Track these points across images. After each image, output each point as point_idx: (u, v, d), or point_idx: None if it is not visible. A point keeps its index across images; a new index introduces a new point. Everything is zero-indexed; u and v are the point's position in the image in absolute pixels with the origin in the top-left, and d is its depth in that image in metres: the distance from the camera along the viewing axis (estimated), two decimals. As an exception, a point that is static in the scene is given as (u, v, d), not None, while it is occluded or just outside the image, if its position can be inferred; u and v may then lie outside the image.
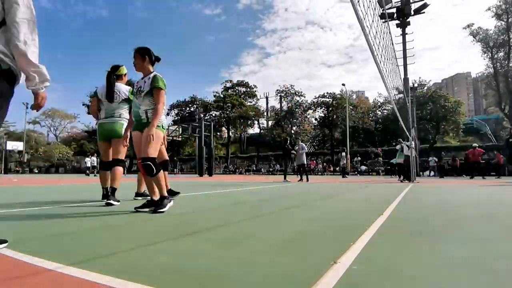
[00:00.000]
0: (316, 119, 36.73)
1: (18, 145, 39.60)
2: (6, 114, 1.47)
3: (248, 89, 42.46)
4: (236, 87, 42.30)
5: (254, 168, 32.26)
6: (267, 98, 48.23)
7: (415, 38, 12.33)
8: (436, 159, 20.31)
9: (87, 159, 25.18)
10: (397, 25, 13.08)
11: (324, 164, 29.78)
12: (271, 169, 30.79)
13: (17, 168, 39.38)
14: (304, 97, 38.00)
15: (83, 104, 42.46)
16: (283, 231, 1.88)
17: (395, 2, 13.54)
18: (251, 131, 44.60)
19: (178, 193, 4.14)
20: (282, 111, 39.49)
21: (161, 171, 2.76)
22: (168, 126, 31.87)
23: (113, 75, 3.51)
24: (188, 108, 42.69)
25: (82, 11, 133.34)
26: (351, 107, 34.20)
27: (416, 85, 30.89)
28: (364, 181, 10.91)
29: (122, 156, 3.47)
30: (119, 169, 3.40)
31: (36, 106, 1.56)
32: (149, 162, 2.64)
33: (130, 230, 1.96)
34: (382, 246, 1.51)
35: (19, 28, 1.37)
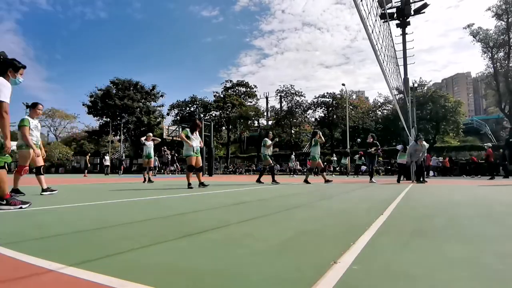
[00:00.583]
0: (316, 119, 36.71)
1: (18, 145, 39.53)
2: None
3: (248, 89, 42.43)
4: (236, 87, 42.28)
5: (254, 168, 32.23)
6: (267, 98, 48.29)
7: (400, 43, 12.37)
8: (441, 159, 20.42)
9: (106, 157, 25.52)
10: (397, 25, 13.07)
11: (324, 164, 29.75)
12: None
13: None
14: (304, 97, 38.00)
15: (83, 104, 42.45)
16: (283, 231, 1.88)
17: (395, 2, 13.54)
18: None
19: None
20: (282, 111, 39.47)
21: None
22: (168, 126, 31.91)
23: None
24: (188, 108, 42.71)
25: (81, 13, 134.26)
26: (351, 107, 34.20)
27: (416, 85, 30.89)
28: (364, 181, 10.91)
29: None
30: None
31: None
32: None
33: (130, 230, 1.96)
34: (382, 246, 1.51)
35: None
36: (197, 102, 41.76)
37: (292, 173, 22.51)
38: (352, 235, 1.71)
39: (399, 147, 11.61)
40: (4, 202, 3.05)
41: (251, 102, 42.49)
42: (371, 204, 3.46)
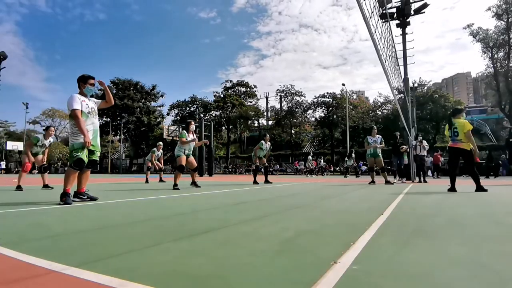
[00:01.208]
0: (316, 119, 36.71)
1: (18, 145, 39.58)
2: None
3: (248, 89, 42.45)
4: (236, 87, 42.29)
5: (254, 168, 32.24)
6: (267, 98, 48.31)
7: (400, 43, 12.34)
8: (442, 159, 20.42)
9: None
10: (397, 25, 13.07)
11: (324, 164, 29.76)
12: (271, 169, 30.76)
13: (17, 168, 39.36)
14: (304, 97, 38.00)
15: (83, 104, 42.38)
16: (283, 231, 1.87)
17: (395, 2, 13.54)
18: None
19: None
20: (282, 111, 39.47)
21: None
22: (168, 126, 31.92)
23: None
24: (188, 108, 42.72)
25: (80, 15, 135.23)
26: (351, 107, 34.18)
27: (416, 85, 30.89)
28: (364, 181, 10.91)
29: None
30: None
31: None
32: None
33: (130, 230, 1.96)
34: (382, 246, 1.51)
35: None
36: (197, 102, 41.78)
37: (309, 173, 21.74)
38: (352, 235, 1.71)
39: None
40: (85, 196, 3.81)
41: (251, 102, 42.50)
42: (371, 204, 3.46)
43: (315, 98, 36.01)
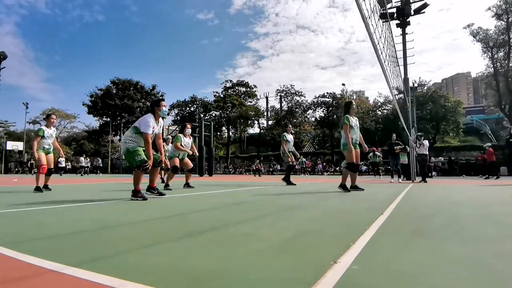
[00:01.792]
0: (316, 119, 36.72)
1: (18, 145, 39.58)
2: None
3: (248, 89, 42.45)
4: (236, 87, 42.30)
5: (254, 168, 32.26)
6: (267, 98, 48.27)
7: (398, 44, 12.37)
8: (442, 159, 20.48)
9: (81, 158, 25.56)
10: (397, 25, 13.07)
11: (324, 164, 29.77)
12: (271, 169, 30.77)
13: (17, 168, 39.38)
14: (304, 97, 38.00)
15: (84, 104, 42.48)
16: (283, 231, 1.87)
17: (395, 2, 13.54)
18: (251, 131, 44.61)
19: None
20: (282, 111, 39.48)
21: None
22: (168, 126, 31.93)
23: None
24: (188, 108, 42.72)
25: (79, 16, 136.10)
26: (351, 107, 34.09)
27: (416, 85, 30.89)
28: (365, 181, 10.91)
29: None
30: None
31: None
32: None
33: (130, 230, 1.96)
34: (382, 246, 1.51)
35: None
36: (197, 102, 41.79)
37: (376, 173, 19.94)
38: (352, 235, 1.71)
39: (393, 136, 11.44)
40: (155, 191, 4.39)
41: (251, 102, 42.50)
42: (371, 204, 3.46)
43: (315, 98, 36.03)
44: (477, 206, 3.35)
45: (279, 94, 40.27)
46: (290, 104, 38.25)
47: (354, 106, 5.58)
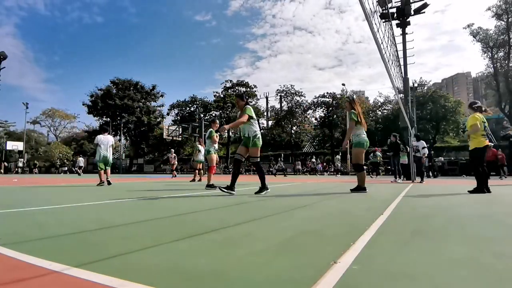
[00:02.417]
0: (316, 119, 36.72)
1: (18, 145, 39.58)
2: None
3: (248, 89, 42.43)
4: (236, 87, 42.27)
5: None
6: (267, 98, 48.25)
7: (398, 44, 12.31)
8: (443, 159, 20.53)
9: (80, 159, 25.64)
10: (397, 25, 13.07)
11: (324, 164, 29.76)
12: (271, 169, 30.76)
13: (16, 168, 39.38)
14: (304, 97, 38.01)
15: (84, 104, 42.47)
16: (283, 231, 1.87)
17: (395, 2, 13.55)
18: (251, 131, 44.52)
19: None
20: (282, 111, 39.47)
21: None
22: (168, 126, 31.93)
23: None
24: (188, 108, 42.71)
25: (78, 18, 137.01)
26: (351, 107, 34.11)
27: (416, 85, 30.90)
28: (371, 182, 10.90)
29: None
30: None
31: None
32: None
33: (130, 230, 1.96)
34: (382, 246, 1.51)
35: None
36: (197, 102, 41.79)
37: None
38: (352, 235, 1.71)
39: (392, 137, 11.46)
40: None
41: (251, 102, 42.48)
42: (371, 204, 3.46)
43: (315, 98, 36.04)
44: (477, 206, 3.35)
45: (279, 94, 40.29)
46: (290, 104, 38.25)
47: (357, 103, 5.43)
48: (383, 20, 7.80)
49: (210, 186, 6.44)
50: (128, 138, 43.98)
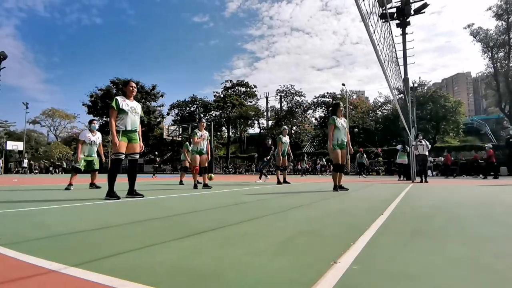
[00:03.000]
0: (316, 119, 36.73)
1: (18, 145, 39.57)
2: None
3: (248, 89, 42.45)
4: (236, 87, 42.29)
5: (254, 168, 32.24)
6: (267, 98, 48.25)
7: (398, 44, 12.33)
8: (442, 159, 20.64)
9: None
10: (397, 25, 13.07)
11: (324, 163, 29.74)
12: (271, 169, 30.75)
13: (17, 168, 39.38)
14: (304, 97, 38.03)
15: (83, 104, 42.47)
16: (283, 231, 1.87)
17: (395, 2, 13.54)
18: (251, 131, 44.61)
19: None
20: (282, 111, 39.48)
21: None
22: (168, 126, 31.92)
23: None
24: (188, 108, 42.69)
25: (77, 19, 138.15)
26: (351, 107, 34.20)
27: (416, 85, 30.90)
28: (365, 181, 10.91)
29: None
30: None
31: None
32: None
33: (130, 230, 1.96)
34: (382, 246, 1.51)
35: None
36: (197, 102, 41.78)
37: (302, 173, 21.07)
38: (352, 235, 1.71)
39: (398, 147, 11.61)
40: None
41: (251, 102, 42.49)
42: (371, 204, 3.46)
43: (315, 98, 36.08)
44: (477, 206, 3.35)
45: (279, 94, 40.30)
46: (290, 104, 38.27)
47: (341, 108, 5.69)
48: (383, 20, 7.80)
49: (194, 186, 6.58)
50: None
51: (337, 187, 5.51)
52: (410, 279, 1.05)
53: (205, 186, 6.70)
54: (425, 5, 13.28)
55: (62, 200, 4.02)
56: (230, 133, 41.76)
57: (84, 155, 6.65)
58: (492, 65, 29.49)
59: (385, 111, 37.07)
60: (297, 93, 38.08)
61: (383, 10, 9.73)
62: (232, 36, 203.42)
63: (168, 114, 44.14)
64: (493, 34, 28.85)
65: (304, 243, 1.59)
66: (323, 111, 35.57)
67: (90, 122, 7.00)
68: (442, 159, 21.80)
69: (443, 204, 3.53)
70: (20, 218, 2.48)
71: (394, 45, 10.25)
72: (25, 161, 33.00)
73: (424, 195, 4.75)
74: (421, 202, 3.78)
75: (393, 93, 7.86)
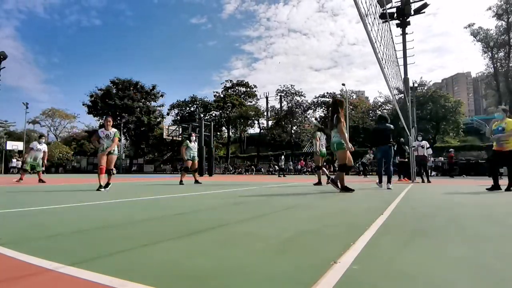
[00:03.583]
0: (316, 119, 36.70)
1: (18, 145, 39.56)
2: None
3: (248, 89, 42.43)
4: (236, 87, 42.27)
5: (254, 168, 32.25)
6: (267, 98, 48.29)
7: (398, 44, 12.33)
8: (443, 159, 20.72)
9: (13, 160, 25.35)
10: (397, 25, 13.07)
11: (325, 163, 29.77)
12: (271, 169, 30.76)
13: (17, 168, 39.33)
14: (304, 97, 38.01)
15: (83, 104, 42.47)
16: (283, 231, 1.87)
17: (395, 2, 13.54)
18: (251, 131, 44.60)
19: None
20: (282, 111, 39.48)
21: None
22: (168, 126, 31.92)
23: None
24: (188, 108, 42.68)
25: (77, 21, 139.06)
26: (351, 107, 34.19)
27: (416, 85, 30.89)
28: (364, 181, 10.91)
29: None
30: None
31: None
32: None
33: (130, 230, 1.96)
34: (382, 246, 1.51)
35: None
36: (197, 102, 41.77)
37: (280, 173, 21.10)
38: (352, 235, 1.71)
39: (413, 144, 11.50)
40: None
41: (251, 102, 42.48)
42: (371, 204, 3.46)
43: (315, 98, 36.06)
44: (477, 206, 3.35)
45: (279, 94, 40.29)
46: (290, 104, 38.26)
47: (343, 106, 5.56)
48: (383, 20, 7.79)
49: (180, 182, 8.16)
50: (128, 138, 43.96)
51: (346, 188, 5.24)
52: (410, 279, 1.05)
53: (196, 182, 8.47)
54: (425, 5, 13.27)
55: (62, 200, 4.02)
56: (230, 133, 41.75)
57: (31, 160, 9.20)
58: (492, 65, 29.51)
59: (385, 111, 37.03)
60: (297, 93, 38.06)
61: (383, 10, 9.72)
62: (230, 37, 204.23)
63: (168, 114, 44.15)
64: (493, 34, 28.86)
65: (304, 243, 1.59)
66: (323, 111, 35.54)
67: (40, 136, 9.13)
68: (442, 159, 21.84)
69: (443, 204, 3.53)
70: (20, 218, 2.48)
71: (394, 45, 10.26)
72: (14, 160, 32.97)
73: (424, 195, 4.75)
74: (421, 202, 3.78)
75: (392, 93, 7.85)
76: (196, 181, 8.58)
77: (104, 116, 6.54)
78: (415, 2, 13.48)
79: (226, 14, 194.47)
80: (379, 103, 38.05)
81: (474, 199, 4.15)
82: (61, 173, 38.90)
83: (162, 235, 1.80)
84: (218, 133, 39.88)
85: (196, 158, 8.83)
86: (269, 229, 1.98)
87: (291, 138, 37.80)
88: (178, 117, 42.35)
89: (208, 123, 24.80)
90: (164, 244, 1.55)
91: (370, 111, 37.00)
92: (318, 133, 7.74)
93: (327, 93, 35.15)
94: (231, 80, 42.69)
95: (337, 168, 5.53)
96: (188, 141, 8.80)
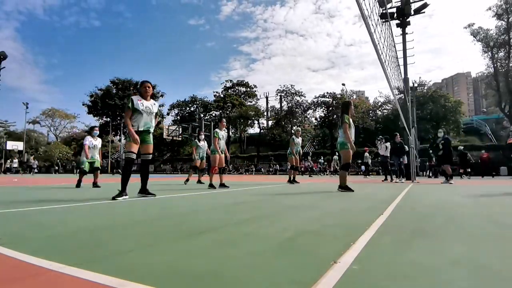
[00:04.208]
0: (316, 119, 36.72)
1: (18, 145, 39.57)
2: None
3: (248, 89, 42.44)
4: (236, 87, 42.28)
5: (254, 168, 32.26)
6: (267, 98, 48.24)
7: (398, 44, 12.33)
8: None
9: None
10: (397, 25, 13.07)
11: (325, 163, 29.76)
12: (271, 169, 30.78)
13: (17, 167, 39.34)
14: (305, 97, 37.99)
15: (83, 104, 42.48)
16: (283, 231, 1.87)
17: (395, 2, 13.54)
18: (251, 131, 44.60)
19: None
20: (282, 111, 39.47)
21: None
22: (168, 126, 31.94)
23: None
24: (188, 108, 42.69)
25: (76, 22, 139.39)
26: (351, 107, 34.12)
27: (416, 85, 30.89)
28: (364, 181, 10.91)
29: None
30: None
31: None
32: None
33: (130, 230, 1.96)
34: (382, 246, 1.51)
35: None
36: (197, 102, 41.78)
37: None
38: (352, 235, 1.71)
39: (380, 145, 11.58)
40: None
41: (251, 102, 42.48)
42: (371, 204, 3.46)
43: (315, 98, 36.03)
44: (477, 206, 3.35)
45: (279, 94, 40.27)
46: (290, 104, 38.24)
47: (352, 106, 5.74)
48: (383, 20, 7.79)
49: (211, 186, 6.73)
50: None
51: (347, 187, 5.32)
52: (410, 279, 1.05)
53: (222, 185, 6.87)
54: (425, 5, 13.27)
55: (62, 200, 4.02)
56: (230, 133, 41.74)
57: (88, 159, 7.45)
58: (492, 65, 29.50)
59: (385, 111, 37.05)
60: (297, 93, 38.05)
61: (383, 10, 9.72)
62: (228, 38, 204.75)
63: (168, 114, 44.16)
64: (493, 34, 28.85)
65: (304, 243, 1.59)
66: (323, 111, 35.53)
67: (92, 128, 7.83)
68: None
69: (443, 204, 3.53)
70: (20, 218, 2.48)
71: (395, 45, 10.26)
72: (15, 160, 33.14)
73: (424, 195, 4.75)
74: (421, 202, 3.78)
75: (393, 93, 7.87)
76: (199, 181, 8.66)
77: (141, 81, 5.47)
78: (415, 2, 13.49)
79: (223, 16, 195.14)
80: (379, 103, 38.05)
81: (474, 199, 4.15)
82: (61, 173, 38.89)
83: (162, 235, 1.80)
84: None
85: (205, 157, 9.04)
86: (269, 229, 1.98)
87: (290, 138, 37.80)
88: (178, 117, 42.36)
89: (208, 123, 24.82)
90: (164, 244, 1.55)
91: (370, 111, 37.00)
92: (294, 137, 9.09)
93: (327, 93, 35.13)
94: (231, 80, 42.76)
95: (339, 168, 5.93)
96: (197, 141, 8.98)
